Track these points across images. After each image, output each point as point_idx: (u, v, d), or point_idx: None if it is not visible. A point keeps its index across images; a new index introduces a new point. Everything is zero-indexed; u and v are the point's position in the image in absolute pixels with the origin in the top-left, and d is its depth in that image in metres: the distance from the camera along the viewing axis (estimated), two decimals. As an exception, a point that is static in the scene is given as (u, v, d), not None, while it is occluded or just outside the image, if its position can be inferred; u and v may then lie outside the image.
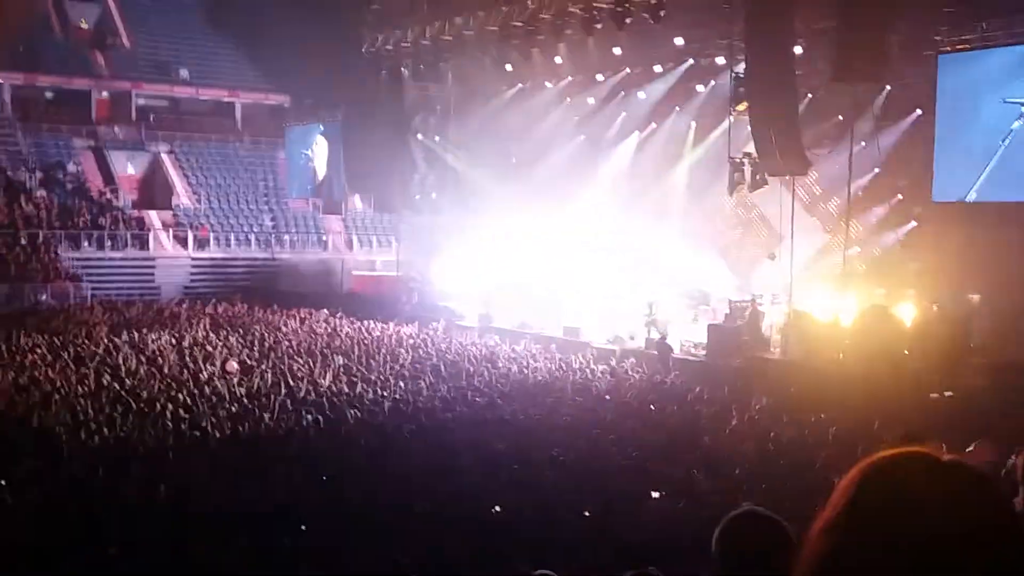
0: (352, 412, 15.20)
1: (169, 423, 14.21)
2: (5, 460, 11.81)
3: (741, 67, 22.64)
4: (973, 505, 1.23)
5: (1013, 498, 4.43)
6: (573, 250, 29.50)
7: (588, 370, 20.36)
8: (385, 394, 16.97)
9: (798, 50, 22.59)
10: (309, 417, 14.76)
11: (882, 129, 24.39)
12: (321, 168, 40.14)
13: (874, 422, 13.23)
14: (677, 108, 29.77)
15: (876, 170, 24.73)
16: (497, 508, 10.20)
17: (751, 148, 22.85)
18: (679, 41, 26.12)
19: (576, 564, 7.97)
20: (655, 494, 10.96)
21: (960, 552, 1.18)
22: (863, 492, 1.27)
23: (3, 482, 10.84)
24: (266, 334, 24.26)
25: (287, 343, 22.94)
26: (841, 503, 1.28)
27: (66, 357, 19.93)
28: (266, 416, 14.80)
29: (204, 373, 18.46)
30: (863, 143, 23.98)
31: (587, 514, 10.14)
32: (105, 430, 13.68)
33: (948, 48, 21.09)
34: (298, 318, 27.65)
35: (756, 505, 2.90)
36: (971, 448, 8.68)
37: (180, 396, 16.12)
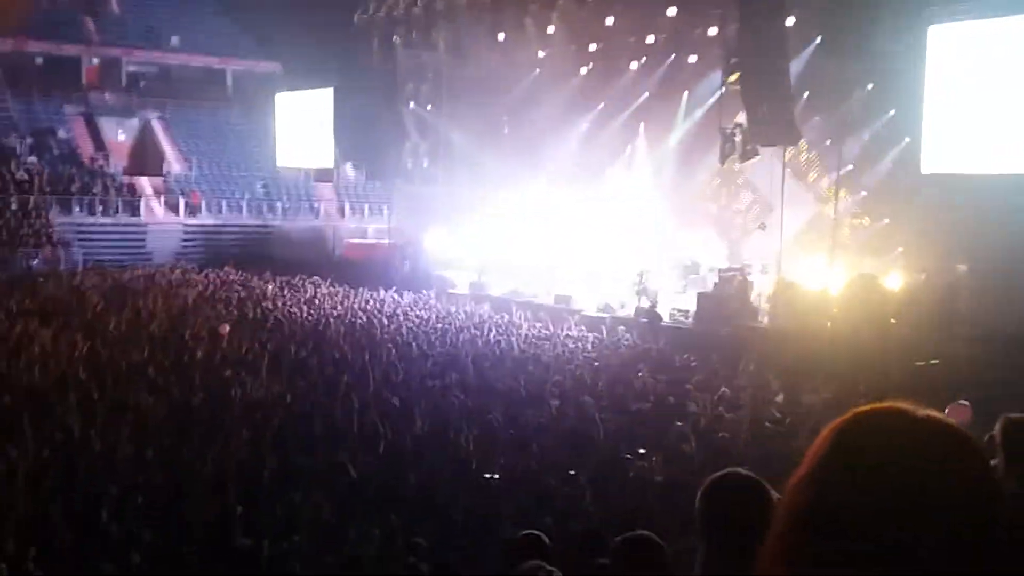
0: (343, 379, 15.29)
1: (157, 385, 14.30)
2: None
3: (734, 38, 22.66)
4: (947, 457, 1.23)
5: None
6: (565, 219, 29.57)
7: (578, 338, 20.49)
8: (376, 360, 17.07)
9: (790, 20, 22.58)
10: (301, 384, 14.86)
11: (873, 100, 24.43)
12: (312, 135, 39.99)
13: (860, 389, 13.41)
14: (670, 78, 29.72)
15: (866, 136, 24.79)
16: (496, 476, 10.34)
17: (742, 118, 22.92)
18: (672, 11, 26.07)
19: (567, 527, 8.11)
20: (642, 451, 11.13)
21: (934, 503, 1.20)
22: (838, 445, 1.28)
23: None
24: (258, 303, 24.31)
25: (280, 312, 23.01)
26: (817, 457, 1.29)
27: (57, 323, 19.96)
28: (256, 383, 14.87)
29: (192, 338, 18.54)
30: (854, 114, 24.03)
31: (572, 473, 10.28)
32: (95, 394, 13.76)
33: (939, 19, 21.14)
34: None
35: (744, 469, 2.97)
36: (947, 409, 8.90)
37: (166, 361, 16.21)
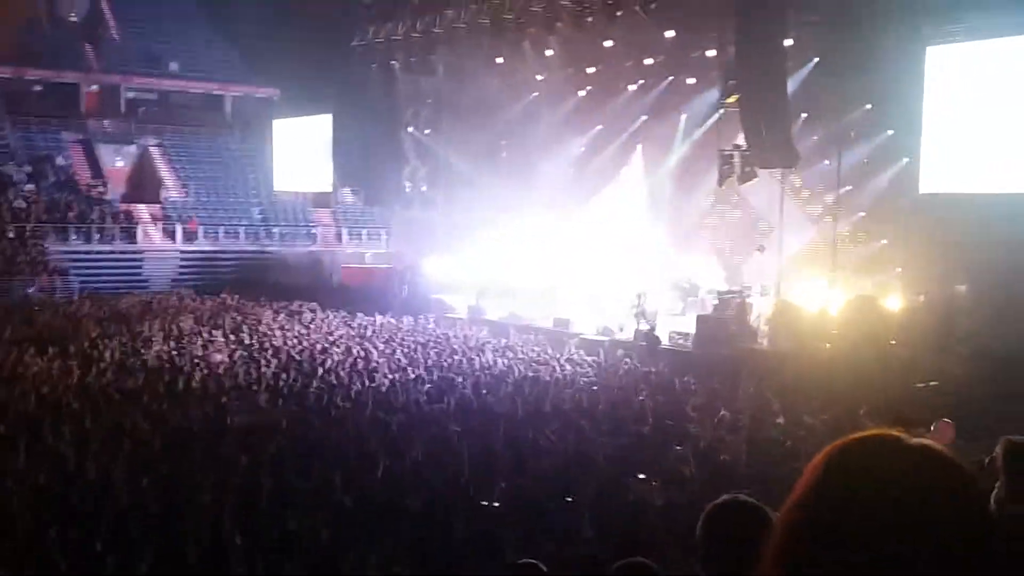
0: (341, 404, 15.19)
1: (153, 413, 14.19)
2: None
3: (732, 59, 22.68)
4: (936, 486, 1.24)
5: (994, 484, 4.49)
6: (563, 242, 29.55)
7: (577, 361, 20.38)
8: (373, 385, 16.97)
9: (788, 42, 22.63)
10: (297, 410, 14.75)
11: (872, 121, 24.44)
12: (310, 160, 40.04)
13: (860, 411, 13.30)
14: (668, 100, 29.76)
15: (865, 161, 24.78)
16: (495, 503, 10.21)
17: (741, 140, 22.92)
18: (670, 34, 26.11)
19: (567, 552, 8.01)
20: (641, 476, 11.01)
21: (923, 531, 1.20)
22: (830, 472, 1.29)
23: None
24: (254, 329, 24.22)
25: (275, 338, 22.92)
26: (809, 482, 1.30)
27: (52, 351, 19.87)
28: (253, 407, 14.77)
29: (189, 364, 18.44)
30: (852, 135, 24.03)
31: (569, 500, 10.16)
32: (89, 422, 13.65)
33: (937, 40, 21.20)
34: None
35: (743, 492, 2.93)
36: (933, 428, 8.93)
37: (162, 388, 16.10)
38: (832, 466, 1.30)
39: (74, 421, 13.66)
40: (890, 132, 24.01)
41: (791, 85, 22.53)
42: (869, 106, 24.17)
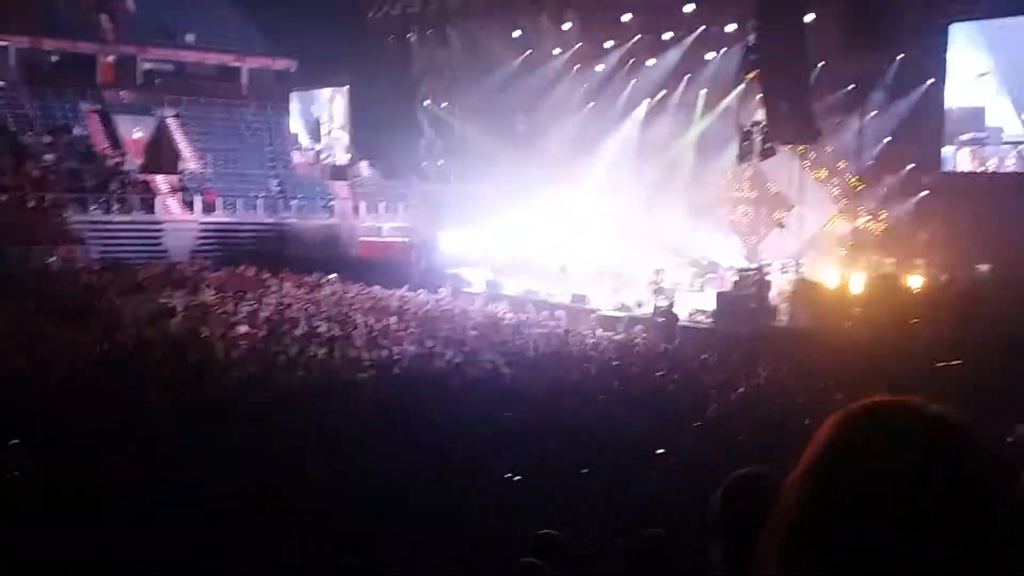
0: (360, 376, 15.24)
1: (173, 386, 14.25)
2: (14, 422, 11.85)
3: (752, 35, 22.50)
4: (950, 454, 1.18)
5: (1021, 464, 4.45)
6: (581, 218, 29.46)
7: (595, 337, 20.38)
8: (395, 357, 17.02)
9: (809, 18, 22.41)
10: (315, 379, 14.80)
11: (894, 98, 24.22)
12: (327, 132, 40.09)
13: (881, 389, 13.24)
14: (687, 76, 29.55)
15: (888, 139, 24.56)
16: (517, 477, 10.23)
17: (761, 116, 22.77)
18: (689, 8, 25.91)
19: (584, 526, 8.02)
20: (660, 451, 11.02)
21: (932, 499, 1.15)
22: (840, 437, 1.23)
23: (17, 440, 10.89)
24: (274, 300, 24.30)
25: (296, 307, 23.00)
26: (818, 448, 1.24)
27: (74, 317, 19.99)
28: (270, 380, 14.81)
29: (210, 335, 18.51)
30: (874, 112, 23.83)
31: (584, 472, 10.18)
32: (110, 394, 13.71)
33: (960, 16, 20.98)
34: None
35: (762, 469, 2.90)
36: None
37: (185, 358, 16.18)
38: (841, 431, 1.23)
39: (95, 393, 13.72)
40: (912, 107, 23.74)
41: (813, 63, 22.36)
42: (890, 84, 23.91)
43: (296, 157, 43.64)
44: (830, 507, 1.17)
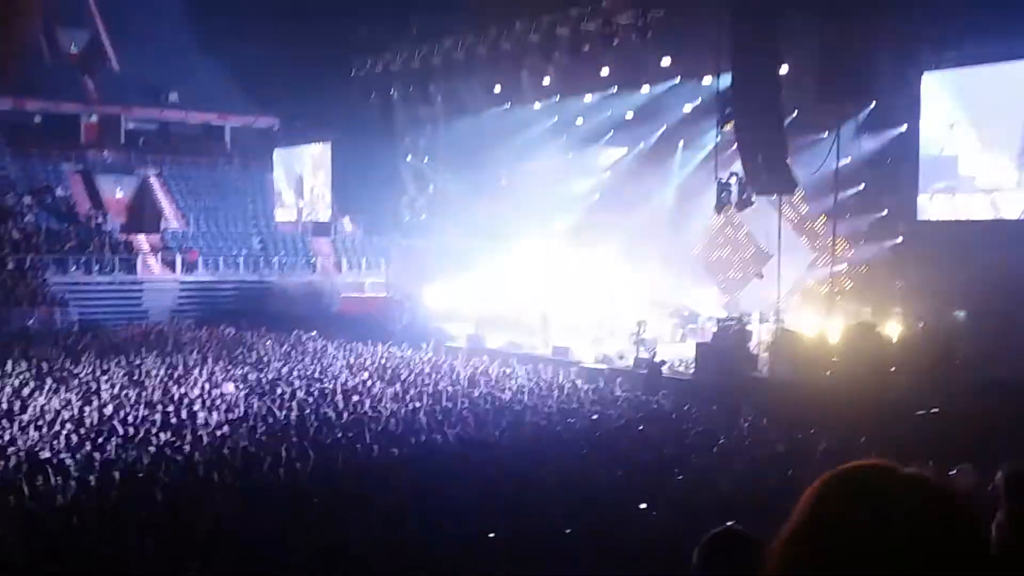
0: (338, 435, 15.14)
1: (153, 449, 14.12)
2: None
3: (728, 87, 22.78)
4: (933, 518, 1.21)
5: (996, 512, 4.45)
6: (562, 270, 29.56)
7: (577, 390, 20.33)
8: (372, 414, 16.93)
9: (784, 70, 22.73)
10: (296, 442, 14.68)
11: (868, 147, 24.48)
12: (309, 189, 40.19)
13: (861, 439, 13.26)
14: (665, 127, 29.85)
15: (863, 185, 24.82)
16: (494, 535, 10.15)
17: (738, 167, 22.97)
18: (666, 61, 26.24)
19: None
20: (643, 505, 10.96)
21: (918, 564, 1.16)
22: (824, 502, 1.26)
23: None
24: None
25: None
26: (803, 513, 1.27)
27: (51, 382, 19.83)
28: (249, 444, 14.69)
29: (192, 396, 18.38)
30: (847, 160, 24.09)
31: (568, 532, 10.10)
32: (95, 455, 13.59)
33: (932, 66, 21.32)
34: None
35: (743, 521, 2.92)
36: (954, 472, 8.70)
37: (166, 420, 16.04)
38: (825, 496, 1.26)
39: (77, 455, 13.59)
40: (888, 159, 24.06)
41: (788, 114, 22.63)
42: (866, 134, 24.20)
43: (279, 214, 43.74)
44: (820, 569, 1.20)
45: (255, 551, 9.50)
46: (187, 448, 14.21)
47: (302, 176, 42.02)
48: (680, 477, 12.50)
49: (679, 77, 27.49)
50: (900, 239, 23.79)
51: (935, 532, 1.19)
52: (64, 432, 15.13)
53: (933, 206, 21.51)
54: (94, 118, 46.59)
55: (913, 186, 21.80)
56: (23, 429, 15.57)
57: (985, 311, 19.10)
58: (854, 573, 1.17)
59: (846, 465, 1.31)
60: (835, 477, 1.29)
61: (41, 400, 17.88)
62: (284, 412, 16.98)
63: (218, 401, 17.96)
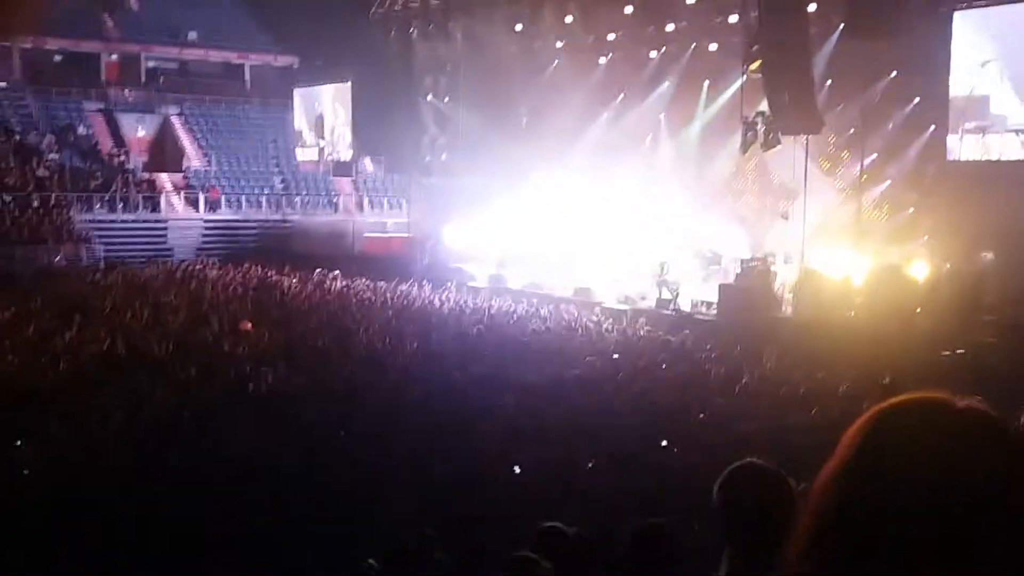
0: (360, 371, 15.25)
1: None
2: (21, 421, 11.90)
3: (755, 25, 22.43)
4: (989, 450, 1.17)
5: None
6: (584, 210, 29.43)
7: (599, 330, 20.36)
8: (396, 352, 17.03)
9: (812, 7, 22.34)
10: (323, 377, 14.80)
11: (897, 87, 24.12)
12: (330, 128, 40.02)
13: (884, 379, 13.23)
14: (690, 67, 29.44)
15: (891, 125, 24.48)
16: (516, 469, 10.25)
17: (764, 107, 22.70)
18: (691, -1, 25.86)
19: (589, 517, 8.02)
20: (664, 443, 11.02)
21: (978, 498, 1.13)
22: (874, 438, 1.21)
23: (19, 442, 10.94)
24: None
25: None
26: (850, 450, 1.21)
27: (78, 318, 20.00)
28: (271, 378, 14.82)
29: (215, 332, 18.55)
30: (877, 101, 23.75)
31: (591, 466, 10.19)
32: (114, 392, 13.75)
33: (964, 4, 20.88)
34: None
35: (765, 460, 2.90)
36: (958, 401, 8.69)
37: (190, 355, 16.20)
38: (874, 432, 1.21)
39: (100, 390, 13.76)
40: (917, 100, 23.70)
41: (817, 54, 22.28)
42: (895, 73, 23.84)
43: (299, 154, 43.68)
44: (872, 509, 1.15)
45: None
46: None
47: (323, 115, 41.86)
48: (702, 416, 12.55)
49: (705, 15, 27.07)
50: (929, 180, 23.50)
51: (995, 465, 1.16)
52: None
53: (963, 146, 21.18)
54: (114, 56, 46.43)
55: (943, 126, 21.47)
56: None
57: (1013, 253, 18.89)
58: (910, 508, 1.13)
59: (898, 398, 1.24)
60: (888, 410, 1.23)
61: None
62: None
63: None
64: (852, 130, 24.97)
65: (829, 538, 1.19)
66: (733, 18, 25.44)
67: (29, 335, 18.02)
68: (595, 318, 21.78)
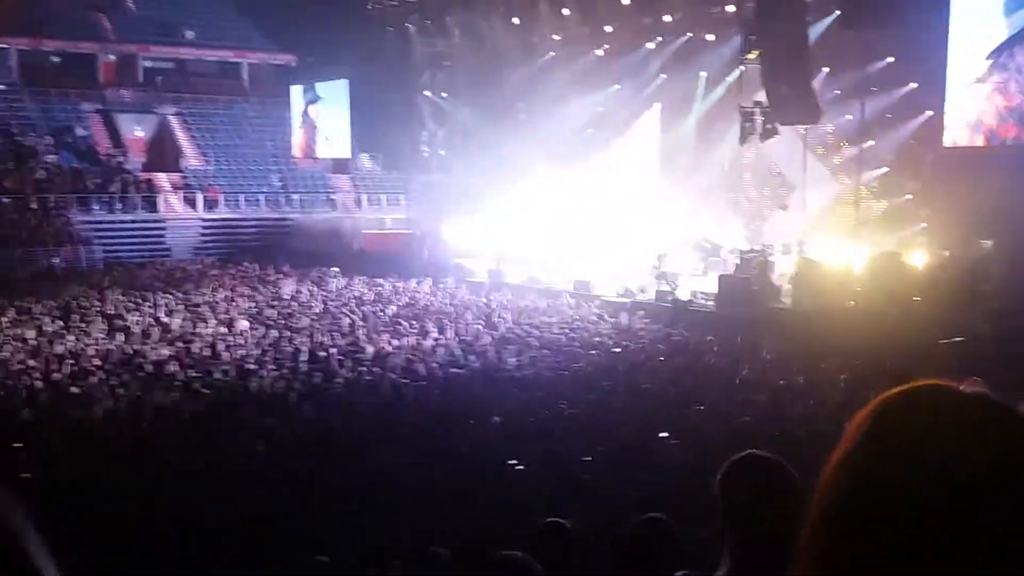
0: (362, 368, 15.26)
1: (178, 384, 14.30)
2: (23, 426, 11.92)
3: (751, 14, 22.41)
4: (999, 436, 1.15)
5: None
6: (582, 203, 29.41)
7: (598, 323, 20.36)
8: (395, 349, 17.04)
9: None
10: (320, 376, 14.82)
11: (895, 74, 24.08)
12: (325, 127, 40.06)
13: (884, 369, 13.22)
14: (687, 58, 29.40)
15: (888, 115, 24.46)
16: (519, 465, 10.24)
17: (762, 97, 22.68)
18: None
19: (590, 512, 8.01)
20: (663, 435, 11.01)
21: (988, 484, 1.11)
22: (881, 425, 1.19)
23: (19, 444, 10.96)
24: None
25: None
26: (857, 438, 1.20)
27: (77, 320, 20.02)
28: (273, 375, 14.84)
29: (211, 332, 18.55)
30: (875, 89, 23.71)
31: (589, 459, 10.19)
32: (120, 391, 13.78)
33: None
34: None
35: (766, 451, 2.90)
36: (962, 388, 8.70)
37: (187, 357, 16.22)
38: (882, 416, 1.19)
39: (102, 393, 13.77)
40: (913, 85, 23.66)
41: (812, 38, 22.23)
42: (891, 59, 23.80)
43: (297, 151, 43.69)
44: (878, 500, 1.14)
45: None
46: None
47: (320, 113, 41.88)
48: (701, 408, 12.54)
49: (702, 6, 27.03)
50: (926, 167, 23.47)
51: (1002, 451, 1.14)
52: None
53: (959, 132, 21.15)
54: (111, 57, 46.43)
55: (939, 112, 21.45)
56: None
57: (1011, 239, 18.86)
58: (918, 495, 1.12)
59: (903, 386, 1.22)
60: (894, 397, 1.21)
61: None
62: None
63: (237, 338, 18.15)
64: (849, 116, 24.95)
65: (839, 518, 1.17)
66: (730, 8, 25.41)
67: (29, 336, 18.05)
68: (595, 311, 21.77)
